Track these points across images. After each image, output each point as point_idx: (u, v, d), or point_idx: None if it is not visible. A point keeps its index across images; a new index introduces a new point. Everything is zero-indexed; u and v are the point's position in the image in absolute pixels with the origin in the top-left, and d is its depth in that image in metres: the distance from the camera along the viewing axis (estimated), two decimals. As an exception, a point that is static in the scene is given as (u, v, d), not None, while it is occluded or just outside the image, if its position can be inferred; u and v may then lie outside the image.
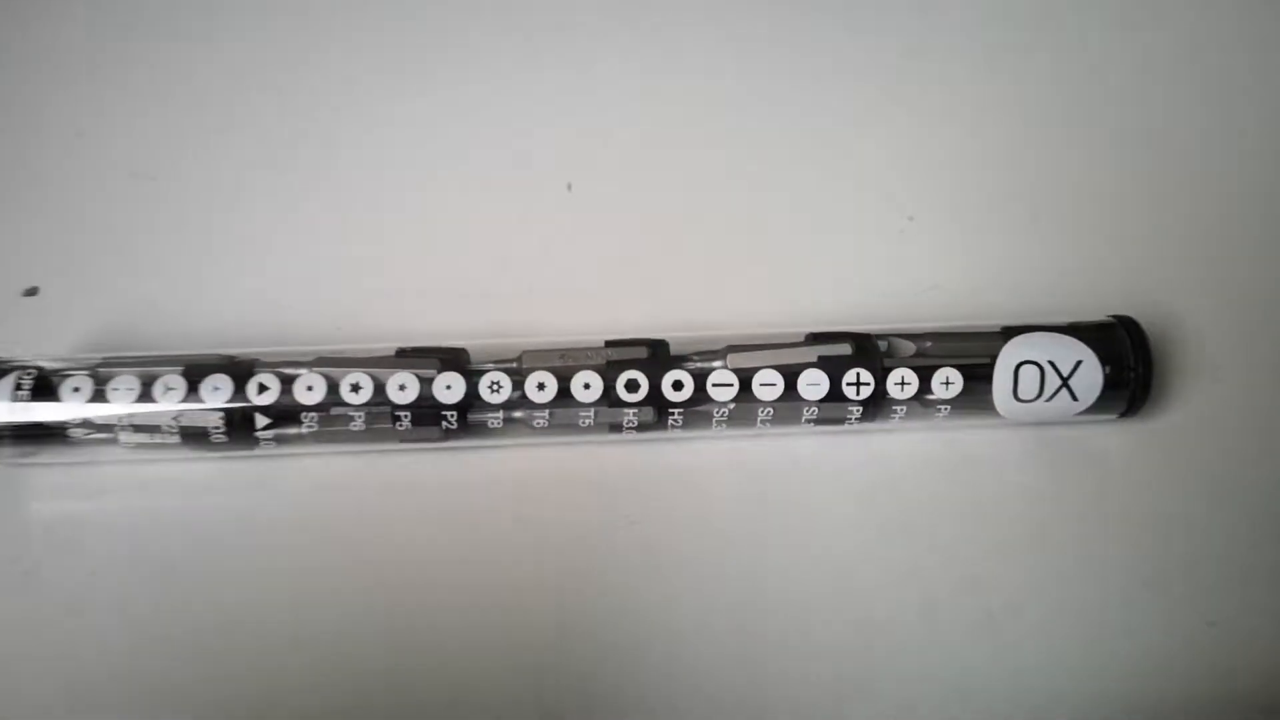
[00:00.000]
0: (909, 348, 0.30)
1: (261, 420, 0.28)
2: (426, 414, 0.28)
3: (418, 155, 0.35)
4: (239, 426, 0.28)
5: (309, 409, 0.28)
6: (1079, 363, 0.29)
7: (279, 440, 0.29)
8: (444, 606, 0.28)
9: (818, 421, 0.29)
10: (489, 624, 0.28)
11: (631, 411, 0.29)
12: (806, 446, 0.30)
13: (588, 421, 0.29)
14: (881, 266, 0.34)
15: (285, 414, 0.28)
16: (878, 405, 0.29)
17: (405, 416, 0.28)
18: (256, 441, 0.29)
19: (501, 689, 0.28)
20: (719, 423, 0.29)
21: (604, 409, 0.29)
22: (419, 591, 0.29)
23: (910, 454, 0.31)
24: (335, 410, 0.28)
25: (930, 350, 0.30)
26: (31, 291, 0.32)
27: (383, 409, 0.28)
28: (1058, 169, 0.35)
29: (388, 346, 0.29)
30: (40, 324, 0.31)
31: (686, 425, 0.29)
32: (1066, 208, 0.35)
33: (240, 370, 0.28)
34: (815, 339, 0.30)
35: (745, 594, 0.29)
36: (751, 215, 0.34)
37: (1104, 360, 0.29)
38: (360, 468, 0.30)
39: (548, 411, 0.29)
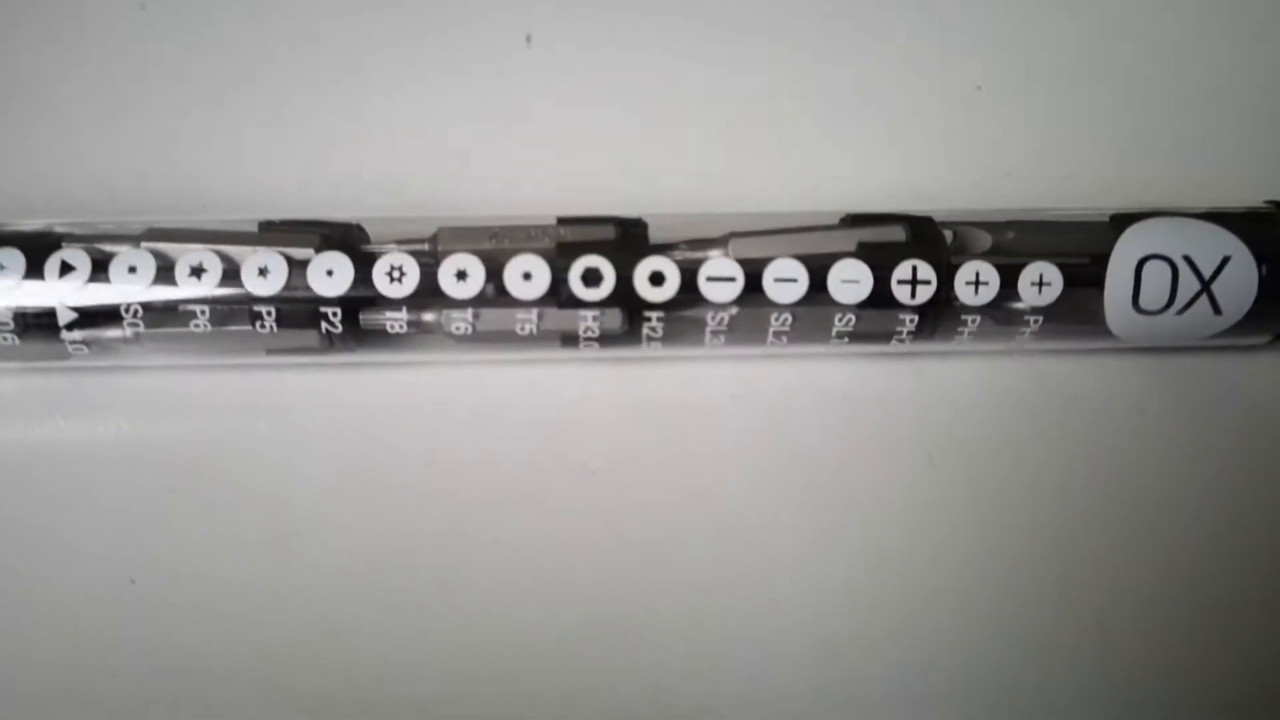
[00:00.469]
0: (983, 240, 0.22)
1: (66, 315, 0.20)
2: (299, 311, 0.20)
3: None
4: (36, 325, 0.20)
5: (133, 303, 0.20)
6: (1226, 259, 0.21)
7: (93, 346, 0.20)
8: (325, 578, 0.20)
9: (854, 337, 0.21)
10: (388, 602, 0.20)
11: (591, 315, 0.20)
12: (838, 374, 0.22)
13: (529, 328, 0.20)
14: (944, 142, 0.25)
15: (101, 309, 0.20)
16: (941, 315, 0.21)
17: (269, 314, 0.20)
18: (64, 346, 0.20)
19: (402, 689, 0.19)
20: (715, 335, 0.21)
21: (552, 311, 0.20)
22: (288, 558, 0.20)
23: (984, 389, 0.22)
24: (177, 305, 0.20)
25: (1012, 244, 0.22)
26: None
27: (238, 305, 0.20)
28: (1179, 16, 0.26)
29: (249, 218, 0.21)
30: None
31: (669, 339, 0.21)
32: (1191, 72, 0.26)
33: (39, 244, 0.20)
34: (855, 222, 0.21)
35: (745, 572, 0.20)
36: (774, 70, 0.26)
37: (1259, 258, 0.21)
38: (207, 388, 0.22)
39: (471, 313, 0.20)
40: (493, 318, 0.20)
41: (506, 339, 0.21)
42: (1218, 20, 0.27)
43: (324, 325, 0.20)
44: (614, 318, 0.20)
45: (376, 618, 0.20)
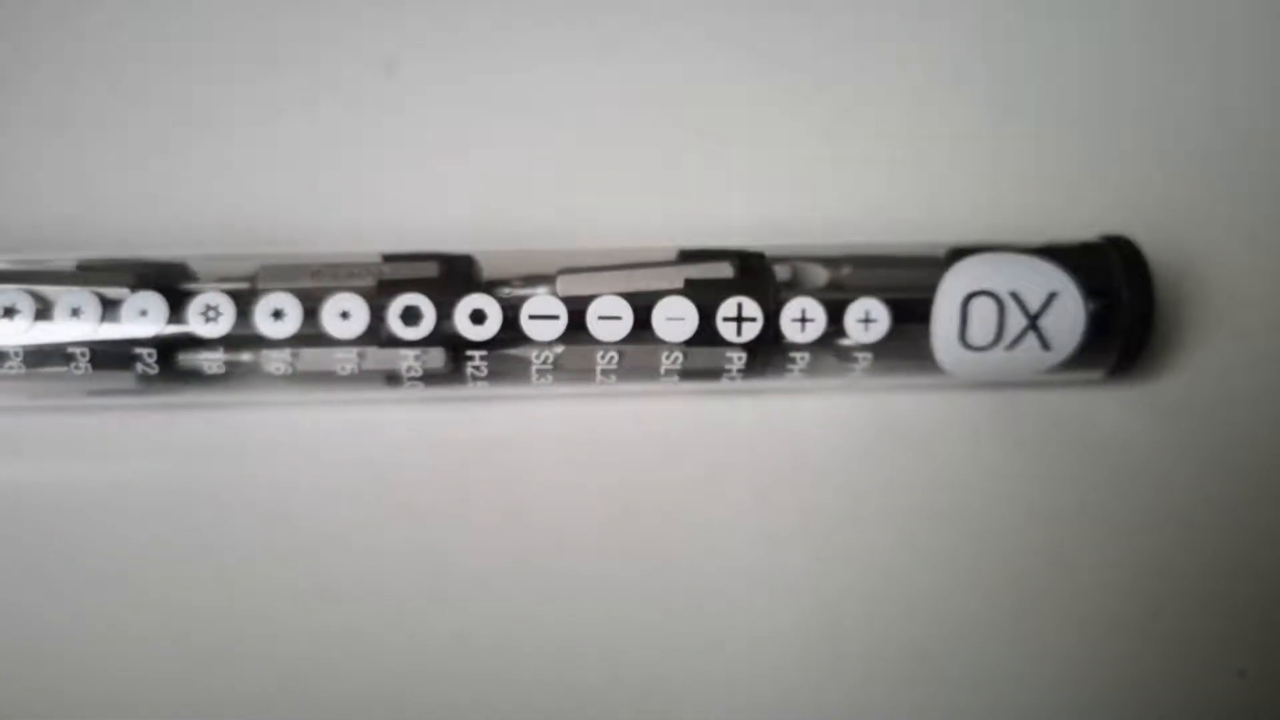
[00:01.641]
0: (820, 275, 0.22)
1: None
2: (113, 353, 0.20)
3: None
4: None
5: (-58, 344, 0.19)
6: (1053, 295, 0.21)
7: (-98, 389, 0.20)
8: (144, 624, 0.20)
9: (683, 374, 0.21)
10: (204, 652, 0.19)
11: (413, 354, 0.20)
12: (667, 412, 0.22)
13: (350, 368, 0.20)
14: (797, 173, 0.25)
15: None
16: (769, 353, 0.21)
17: (82, 355, 0.20)
18: (-125, 391, 0.20)
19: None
20: (542, 374, 0.21)
21: (374, 350, 0.20)
22: (106, 605, 0.20)
23: (816, 426, 0.22)
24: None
25: (850, 280, 0.22)
26: None
27: (50, 345, 0.20)
28: (1033, 42, 0.26)
29: (68, 258, 0.20)
30: None
31: (495, 378, 0.21)
32: (1044, 100, 0.26)
33: None
34: (688, 257, 0.21)
35: (572, 615, 0.20)
36: (622, 96, 0.26)
37: (1088, 293, 0.21)
38: (18, 431, 0.21)
39: (289, 352, 0.20)
40: (312, 357, 0.20)
41: (328, 379, 0.20)
42: (1078, 52, 0.27)
43: (139, 366, 0.20)
44: (436, 357, 0.20)
45: (193, 668, 0.19)
